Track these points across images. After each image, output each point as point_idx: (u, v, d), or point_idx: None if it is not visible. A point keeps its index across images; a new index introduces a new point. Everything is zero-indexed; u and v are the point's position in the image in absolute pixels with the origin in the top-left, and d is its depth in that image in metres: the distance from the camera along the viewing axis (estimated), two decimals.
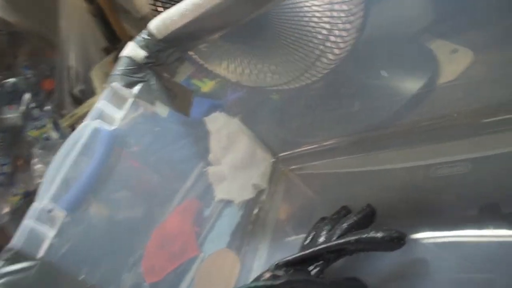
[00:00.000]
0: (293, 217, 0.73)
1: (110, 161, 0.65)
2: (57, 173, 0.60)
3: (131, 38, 1.19)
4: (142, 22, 1.23)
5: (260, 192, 0.79)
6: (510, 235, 0.49)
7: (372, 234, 0.51)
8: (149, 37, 0.65)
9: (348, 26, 0.59)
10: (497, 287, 0.46)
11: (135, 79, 0.66)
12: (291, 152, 0.80)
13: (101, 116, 0.64)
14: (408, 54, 0.72)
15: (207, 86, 0.93)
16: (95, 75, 1.03)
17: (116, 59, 1.13)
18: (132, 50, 0.66)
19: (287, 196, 0.76)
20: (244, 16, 0.60)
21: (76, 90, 1.15)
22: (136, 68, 0.66)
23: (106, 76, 1.11)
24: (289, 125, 0.81)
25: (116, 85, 0.64)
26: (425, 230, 0.56)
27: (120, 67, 0.65)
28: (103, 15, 1.09)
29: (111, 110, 0.65)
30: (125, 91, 0.65)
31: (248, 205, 0.79)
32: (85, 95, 1.17)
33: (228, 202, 0.81)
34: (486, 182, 0.56)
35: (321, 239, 0.57)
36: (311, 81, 0.66)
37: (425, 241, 0.54)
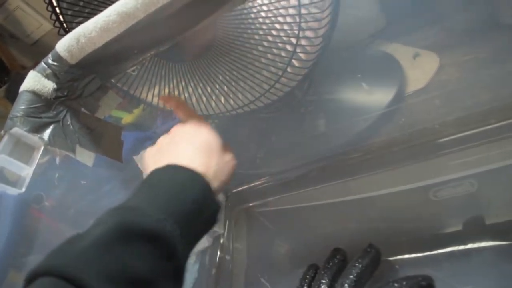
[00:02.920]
0: (263, 263, 0.60)
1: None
2: None
3: (22, 68, 0.99)
4: (34, 48, 1.03)
5: (216, 239, 0.65)
6: None
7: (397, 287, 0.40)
8: (56, 63, 0.48)
9: (318, 31, 0.49)
10: None
11: (44, 119, 0.49)
12: (247, 187, 0.67)
13: (2, 177, 0.47)
14: (370, 62, 0.63)
15: (129, 116, 0.77)
16: None
17: (8, 93, 0.92)
18: (35, 81, 0.49)
19: (251, 240, 0.63)
20: (186, 28, 0.47)
21: None
22: (43, 106, 0.49)
23: None
24: (238, 156, 0.68)
25: (18, 131, 0.47)
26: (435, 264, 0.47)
27: (20, 105, 0.48)
28: None
29: (15, 166, 0.48)
30: (32, 138, 0.48)
31: (206, 256, 0.64)
32: None
33: None
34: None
35: None
36: (271, 100, 0.55)
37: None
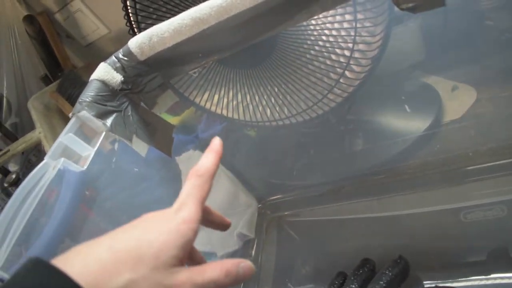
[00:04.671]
0: (292, 271, 0.62)
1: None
2: (7, 232, 0.45)
3: (73, 67, 1.04)
4: (87, 50, 1.10)
5: (247, 243, 0.68)
6: None
7: None
8: (126, 58, 0.53)
9: (369, 53, 0.53)
10: None
11: (109, 107, 0.53)
12: (281, 196, 0.70)
13: (66, 154, 0.51)
14: (410, 89, 0.67)
15: (175, 119, 0.81)
16: (33, 107, 0.87)
17: (60, 88, 0.98)
18: (106, 72, 0.54)
19: (281, 248, 0.66)
20: (252, 38, 0.51)
21: (8, 124, 0.97)
22: (109, 95, 0.54)
23: (47, 108, 0.95)
24: (277, 167, 0.71)
25: (85, 114, 0.51)
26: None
27: (90, 92, 0.53)
28: (44, 39, 0.94)
29: (79, 146, 0.52)
30: (97, 123, 0.52)
31: (234, 257, 0.67)
32: (19, 129, 0.99)
33: (208, 256, 0.68)
34: None
35: None
36: (315, 116, 0.58)
37: None
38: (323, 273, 0.59)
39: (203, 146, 0.77)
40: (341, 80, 0.56)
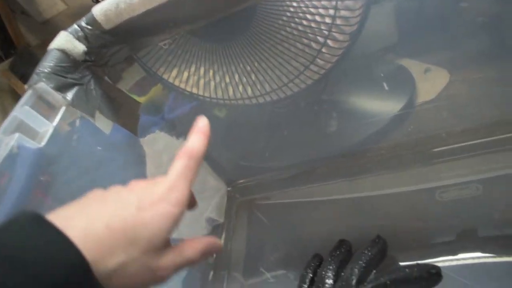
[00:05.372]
0: (264, 255, 0.60)
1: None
2: None
3: (27, 45, 0.98)
4: (43, 27, 1.03)
5: (216, 228, 0.65)
6: None
7: (408, 272, 0.42)
8: (90, 27, 0.49)
9: (347, 28, 0.51)
10: None
11: (69, 80, 0.49)
12: (251, 179, 0.68)
13: (22, 129, 0.46)
14: (384, 70, 0.66)
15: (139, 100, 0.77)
16: None
17: (12, 67, 0.91)
18: (67, 41, 0.49)
19: (252, 232, 0.64)
20: (227, 6, 0.48)
21: None
22: (70, 66, 0.50)
23: None
24: (248, 149, 0.69)
25: (43, 86, 0.47)
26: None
27: (49, 62, 0.49)
28: None
29: (36, 120, 0.47)
30: (56, 96, 0.48)
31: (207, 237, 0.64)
32: None
33: (175, 242, 0.65)
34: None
35: (329, 281, 0.46)
36: (289, 94, 0.56)
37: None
38: (296, 257, 0.58)
39: (169, 127, 0.74)
40: (317, 58, 0.54)
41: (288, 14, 0.52)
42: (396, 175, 0.57)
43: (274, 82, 0.58)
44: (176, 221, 0.30)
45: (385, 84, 0.63)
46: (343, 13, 0.51)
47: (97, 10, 0.48)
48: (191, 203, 0.37)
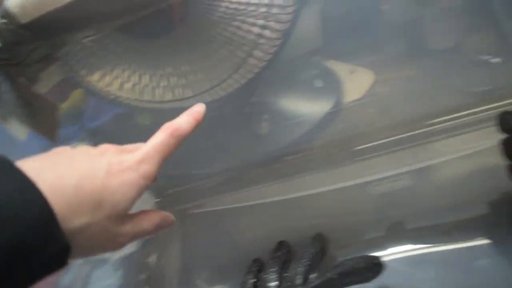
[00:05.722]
0: (200, 267, 0.58)
1: None
2: None
3: None
4: None
5: (147, 243, 0.61)
6: None
7: (354, 264, 0.42)
8: (3, 20, 0.44)
9: (279, 25, 0.51)
10: None
11: None
12: (181, 188, 0.65)
13: None
14: (312, 73, 0.67)
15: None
16: None
17: None
18: None
19: (186, 244, 0.61)
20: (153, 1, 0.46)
21: None
22: None
23: None
24: (176, 156, 0.66)
25: None
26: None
27: None
28: None
29: None
30: None
31: (131, 261, 0.60)
32: None
33: (98, 262, 0.60)
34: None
35: (273, 284, 0.45)
36: (226, 93, 0.55)
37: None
38: (235, 266, 0.55)
39: (90, 137, 0.69)
40: (250, 56, 0.54)
41: (219, 12, 0.51)
42: (328, 173, 0.58)
43: (203, 84, 0.57)
44: (141, 192, 0.30)
45: (313, 85, 0.65)
46: (275, 10, 0.52)
47: (12, 2, 0.43)
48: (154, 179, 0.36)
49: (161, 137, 0.33)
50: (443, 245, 0.46)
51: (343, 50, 0.70)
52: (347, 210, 0.55)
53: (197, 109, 0.36)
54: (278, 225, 0.57)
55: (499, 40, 0.65)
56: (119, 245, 0.30)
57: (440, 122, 0.59)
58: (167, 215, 0.35)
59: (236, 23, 0.52)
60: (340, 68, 0.69)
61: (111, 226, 0.29)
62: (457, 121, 0.58)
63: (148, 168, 0.31)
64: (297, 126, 0.62)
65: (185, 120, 0.35)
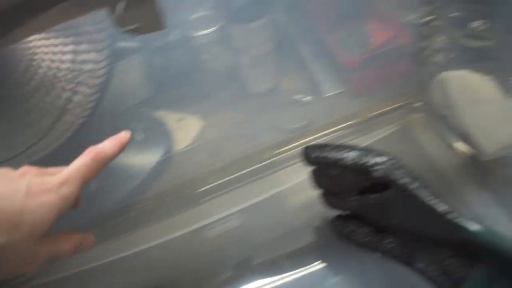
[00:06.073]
0: None
1: None
2: None
3: None
4: None
5: None
6: None
7: None
8: None
9: (94, 80, 0.50)
10: None
11: None
12: None
13: None
14: (139, 125, 0.67)
15: None
16: None
17: None
18: None
19: None
20: None
21: None
22: None
23: None
24: None
25: None
26: None
27: None
28: None
29: None
30: None
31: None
32: None
33: None
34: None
35: None
36: (49, 150, 0.51)
37: None
38: None
39: None
40: (66, 113, 0.51)
41: (25, 68, 0.48)
42: (164, 223, 0.57)
43: (20, 145, 0.52)
44: (60, 213, 0.31)
45: (141, 136, 0.65)
46: (90, 66, 0.50)
47: None
48: (76, 203, 0.36)
49: (83, 160, 0.33)
50: (281, 277, 0.48)
51: (171, 100, 0.72)
52: (187, 257, 0.54)
53: (123, 135, 0.37)
54: (118, 285, 0.54)
55: (308, 81, 0.73)
56: (33, 267, 0.31)
57: (266, 159, 0.63)
58: (87, 235, 0.35)
59: (46, 81, 0.49)
60: (169, 117, 0.71)
61: (29, 245, 0.29)
62: (281, 156, 0.63)
63: (69, 190, 0.31)
64: (127, 180, 0.61)
65: (109, 144, 0.35)
